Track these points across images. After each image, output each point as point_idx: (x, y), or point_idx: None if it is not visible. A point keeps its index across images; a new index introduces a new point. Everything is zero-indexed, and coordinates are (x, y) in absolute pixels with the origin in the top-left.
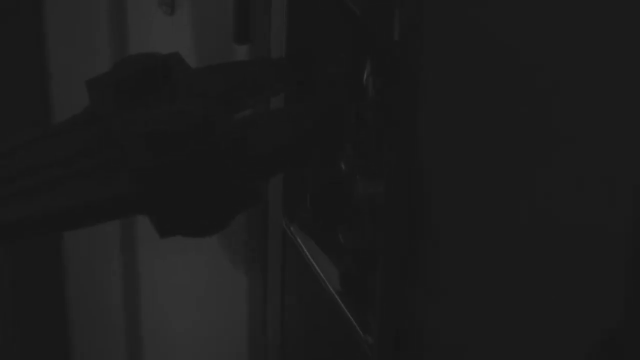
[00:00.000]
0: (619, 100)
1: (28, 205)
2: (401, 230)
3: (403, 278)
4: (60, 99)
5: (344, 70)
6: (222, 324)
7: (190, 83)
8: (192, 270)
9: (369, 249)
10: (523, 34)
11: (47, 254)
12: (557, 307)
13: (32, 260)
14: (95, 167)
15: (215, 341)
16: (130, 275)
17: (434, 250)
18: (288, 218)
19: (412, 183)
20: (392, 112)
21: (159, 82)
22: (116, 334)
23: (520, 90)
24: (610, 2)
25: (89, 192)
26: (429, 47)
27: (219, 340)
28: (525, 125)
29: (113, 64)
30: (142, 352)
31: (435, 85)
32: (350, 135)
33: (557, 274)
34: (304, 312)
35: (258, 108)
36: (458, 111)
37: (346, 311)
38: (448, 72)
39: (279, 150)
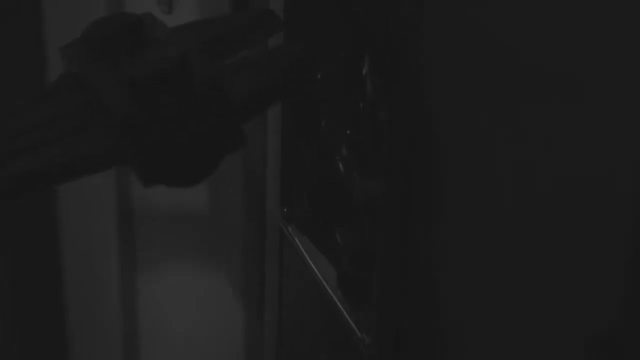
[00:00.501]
0: (619, 100)
1: (12, 165)
2: (400, 229)
3: (401, 277)
4: None
5: (343, 69)
6: (220, 323)
7: (168, 38)
8: (190, 270)
9: (367, 249)
10: (523, 33)
11: (45, 256)
12: (557, 307)
13: (30, 262)
14: (79, 126)
15: (213, 340)
16: (128, 274)
17: (433, 250)
18: (285, 218)
19: (411, 182)
20: (391, 110)
21: (134, 40)
22: (114, 334)
23: (520, 89)
24: (610, 2)
25: (72, 148)
26: (428, 46)
27: (216, 339)
28: (524, 123)
29: (86, 26)
30: (140, 351)
31: (435, 84)
32: (348, 133)
33: (556, 274)
34: (301, 312)
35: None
36: (457, 110)
37: (343, 311)
38: (447, 71)
39: (256, 93)
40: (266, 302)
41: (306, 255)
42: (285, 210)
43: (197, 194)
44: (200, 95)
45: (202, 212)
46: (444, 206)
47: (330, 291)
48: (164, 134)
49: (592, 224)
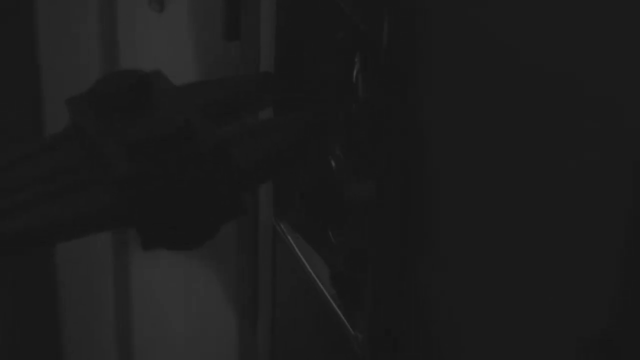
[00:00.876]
0: (618, 99)
1: (10, 222)
2: (392, 229)
3: (394, 277)
4: (50, 94)
5: (334, 69)
6: (213, 322)
7: (172, 99)
8: (183, 268)
9: (360, 248)
10: (515, 30)
11: (40, 257)
12: (554, 308)
13: (26, 264)
14: (79, 183)
15: (205, 339)
16: (121, 274)
17: (426, 249)
18: (278, 216)
19: (403, 182)
20: (382, 111)
21: (140, 98)
22: (107, 332)
23: (517, 88)
24: (610, 2)
25: (71, 207)
26: (419, 45)
27: (209, 338)
28: (517, 122)
29: (94, 82)
30: (133, 350)
31: (427, 84)
32: (341, 135)
33: (553, 274)
34: (294, 309)
35: (243, 121)
36: (450, 110)
37: (337, 309)
38: (440, 71)
39: (261, 163)
40: (259, 300)
41: (299, 254)
42: (278, 208)
43: None
44: (204, 161)
45: None
46: (436, 205)
47: (323, 289)
48: (163, 195)
49: (588, 223)
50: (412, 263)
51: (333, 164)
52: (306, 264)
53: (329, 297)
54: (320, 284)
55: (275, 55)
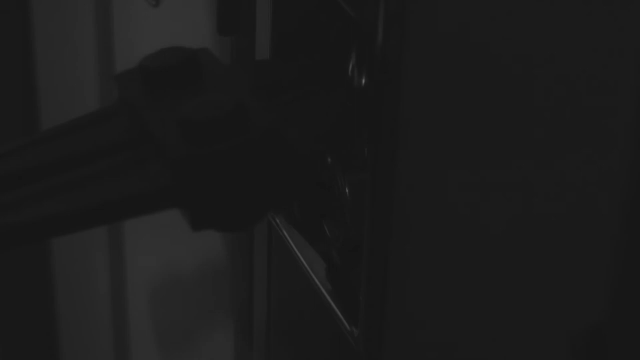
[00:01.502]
0: (616, 99)
1: (59, 202)
2: (386, 223)
3: (389, 271)
4: (45, 90)
5: (330, 61)
6: (208, 316)
7: (221, 77)
8: (178, 263)
9: (354, 242)
10: (512, 25)
11: (35, 255)
12: (550, 305)
13: (20, 260)
14: (130, 162)
15: (200, 333)
16: (116, 265)
17: (419, 244)
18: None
19: (397, 176)
20: (376, 103)
21: (189, 76)
22: (103, 330)
23: (509, 81)
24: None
25: (122, 187)
26: (413, 39)
27: (204, 332)
28: (508, 118)
29: (142, 58)
30: (128, 345)
31: (421, 77)
32: (336, 128)
33: (548, 270)
34: (290, 304)
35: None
36: (445, 105)
37: (332, 304)
38: (435, 66)
39: (315, 142)
40: (254, 295)
41: (295, 248)
42: None
43: None
44: (257, 144)
45: None
46: (430, 200)
47: (319, 284)
48: (218, 178)
49: (580, 218)
50: (406, 256)
51: (328, 158)
52: (302, 259)
53: (324, 292)
54: (315, 278)
55: (271, 50)
